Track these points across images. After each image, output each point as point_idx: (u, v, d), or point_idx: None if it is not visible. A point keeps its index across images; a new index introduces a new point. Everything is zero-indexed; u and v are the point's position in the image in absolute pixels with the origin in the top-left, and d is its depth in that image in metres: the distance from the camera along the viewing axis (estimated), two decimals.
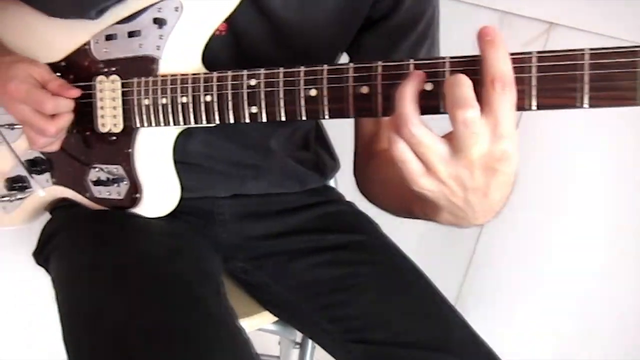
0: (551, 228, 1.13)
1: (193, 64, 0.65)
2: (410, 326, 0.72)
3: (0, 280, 1.05)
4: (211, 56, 0.66)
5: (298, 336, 0.97)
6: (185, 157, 0.71)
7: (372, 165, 0.76)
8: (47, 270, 0.72)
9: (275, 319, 0.85)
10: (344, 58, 0.78)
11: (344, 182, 0.95)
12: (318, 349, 0.93)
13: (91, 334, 0.54)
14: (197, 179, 0.74)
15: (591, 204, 1.11)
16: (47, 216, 0.84)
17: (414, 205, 0.61)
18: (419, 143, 0.45)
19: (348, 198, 0.90)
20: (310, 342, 0.96)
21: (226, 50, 0.69)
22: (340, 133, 0.94)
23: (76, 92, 0.67)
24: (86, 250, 0.63)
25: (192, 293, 0.58)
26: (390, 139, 0.46)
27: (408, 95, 0.45)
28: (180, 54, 0.64)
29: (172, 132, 0.68)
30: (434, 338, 0.70)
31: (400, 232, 0.86)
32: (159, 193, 0.69)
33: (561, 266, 1.15)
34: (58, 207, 0.79)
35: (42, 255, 0.72)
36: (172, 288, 0.57)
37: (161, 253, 0.62)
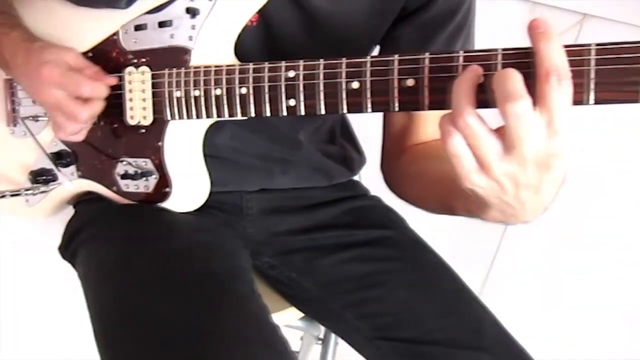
0: (578, 225, 1.11)
1: (225, 55, 0.63)
2: (442, 323, 0.70)
3: (22, 273, 1.04)
4: (240, 47, 0.64)
5: (321, 331, 0.96)
6: (213, 150, 0.70)
7: (404, 160, 0.74)
8: (73, 264, 0.71)
9: (302, 315, 0.84)
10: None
11: (367, 177, 0.94)
12: (340, 345, 0.92)
13: (128, 330, 0.53)
14: (225, 173, 0.73)
15: (619, 201, 1.09)
16: (69, 210, 0.83)
17: (456, 202, 0.59)
18: (474, 135, 0.44)
19: (372, 192, 0.89)
20: (333, 338, 0.95)
21: (256, 41, 0.67)
22: (364, 126, 0.93)
23: (113, 80, 0.66)
24: (117, 246, 0.62)
25: (229, 291, 0.56)
26: (443, 132, 0.45)
27: (465, 86, 0.44)
28: (213, 44, 0.63)
29: (202, 125, 0.66)
30: (467, 336, 0.69)
31: (423, 226, 0.85)
32: (189, 187, 0.68)
33: (588, 263, 1.13)
34: (82, 201, 0.78)
35: (69, 250, 0.71)
36: (209, 285, 0.56)
37: (194, 249, 0.61)
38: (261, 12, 0.64)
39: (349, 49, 0.68)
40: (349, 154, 0.86)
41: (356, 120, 0.92)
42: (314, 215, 0.79)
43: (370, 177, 0.90)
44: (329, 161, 0.80)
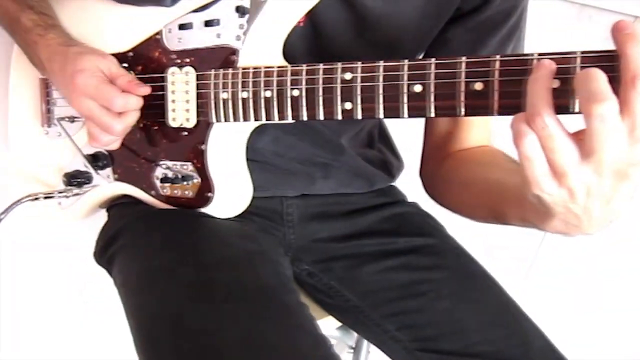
0: (622, 228, 1.08)
1: (273, 56, 0.61)
2: (488, 336, 0.68)
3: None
4: (285, 48, 0.62)
5: (353, 340, 0.94)
6: (254, 154, 0.68)
7: (448, 166, 0.72)
8: (109, 270, 0.69)
9: (339, 324, 0.81)
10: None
11: (402, 182, 0.92)
12: (372, 354, 0.89)
13: (175, 340, 0.50)
14: (266, 178, 0.71)
15: None
16: (101, 213, 0.81)
17: (509, 210, 0.57)
18: (551, 137, 0.41)
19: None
20: (365, 346, 0.93)
21: (301, 42, 0.65)
22: (398, 131, 0.90)
23: (146, 90, 0.64)
24: (160, 252, 0.59)
25: (278, 301, 0.54)
26: (517, 132, 0.43)
27: (541, 84, 0.42)
28: (262, 45, 0.60)
29: (247, 128, 0.64)
30: (513, 349, 0.67)
31: (458, 232, 0.82)
32: (232, 192, 0.66)
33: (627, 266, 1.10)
34: (116, 205, 0.76)
35: (105, 256, 0.68)
36: (257, 295, 0.53)
37: (241, 257, 0.58)
38: (309, 12, 0.62)
39: (397, 52, 0.67)
40: (387, 158, 0.83)
41: (390, 125, 0.89)
42: (354, 222, 0.77)
43: (405, 183, 0.87)
44: (370, 166, 0.78)
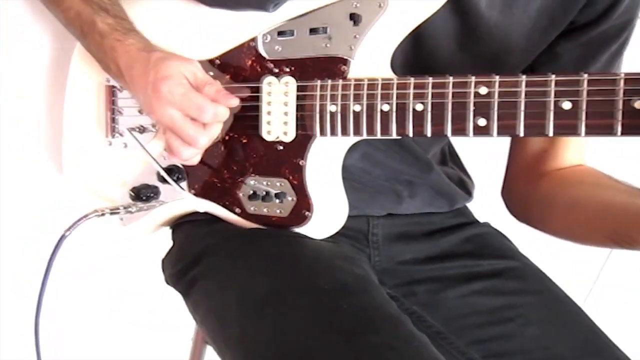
0: None
1: (382, 68, 0.57)
2: None
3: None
4: None
5: None
6: (342, 171, 0.64)
7: (549, 186, 0.69)
8: (186, 294, 0.64)
9: None
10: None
11: None
12: None
13: None
14: (353, 196, 0.66)
15: None
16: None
17: (638, 234, 0.54)
18: None
19: None
20: None
21: (401, 52, 0.62)
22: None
23: (235, 101, 0.59)
24: (264, 277, 0.54)
25: (404, 329, 0.50)
26: None
27: None
28: (372, 55, 0.57)
29: (346, 143, 0.60)
30: None
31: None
32: (329, 211, 0.62)
33: None
34: (186, 223, 0.71)
35: (184, 278, 0.63)
36: (384, 324, 0.49)
37: (352, 282, 0.54)
38: None
39: (500, 66, 0.64)
40: (462, 176, 0.80)
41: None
42: (436, 243, 0.73)
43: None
44: (452, 184, 0.75)
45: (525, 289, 0.71)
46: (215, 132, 0.59)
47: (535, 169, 0.71)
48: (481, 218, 0.81)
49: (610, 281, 1.12)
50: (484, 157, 0.96)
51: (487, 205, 0.83)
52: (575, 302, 0.72)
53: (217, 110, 0.57)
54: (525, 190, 0.73)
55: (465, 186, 0.79)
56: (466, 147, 0.86)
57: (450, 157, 0.83)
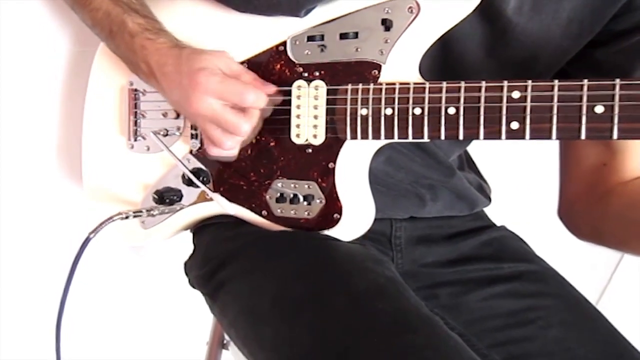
0: None
1: (411, 72, 0.58)
2: None
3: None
4: None
5: None
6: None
7: (620, 203, 0.65)
8: (213, 297, 0.64)
9: None
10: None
11: None
12: None
13: None
14: (377, 199, 0.67)
15: None
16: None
17: None
18: None
19: None
20: None
21: (428, 57, 0.62)
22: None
23: (272, 88, 0.60)
24: (297, 279, 0.55)
25: (440, 330, 0.50)
26: None
27: None
28: (403, 60, 0.58)
29: (374, 147, 0.61)
30: None
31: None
32: (358, 213, 0.62)
33: None
34: (209, 226, 0.71)
35: (212, 281, 0.63)
36: (421, 325, 0.50)
37: (385, 284, 0.55)
38: None
39: (526, 73, 0.64)
40: (480, 181, 0.81)
41: None
42: (457, 246, 0.74)
43: None
44: (472, 188, 0.76)
45: (545, 291, 0.72)
46: (255, 119, 0.60)
47: (598, 186, 0.68)
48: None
49: (621, 285, 1.13)
50: (495, 163, 0.97)
51: (499, 209, 0.84)
52: (594, 306, 0.73)
53: (258, 94, 0.58)
54: (591, 212, 0.69)
55: (484, 190, 0.80)
56: (478, 152, 0.88)
57: (467, 163, 0.84)
